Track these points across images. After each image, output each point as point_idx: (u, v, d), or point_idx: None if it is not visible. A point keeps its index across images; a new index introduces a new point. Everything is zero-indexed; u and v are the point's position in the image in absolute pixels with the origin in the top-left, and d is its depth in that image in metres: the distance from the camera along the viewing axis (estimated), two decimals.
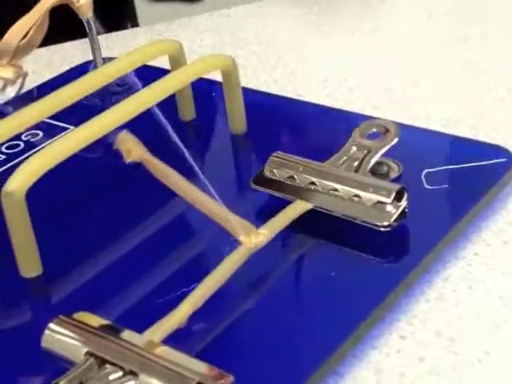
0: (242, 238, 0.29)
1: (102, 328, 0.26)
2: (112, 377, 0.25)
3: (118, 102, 0.34)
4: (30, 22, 0.40)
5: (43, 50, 0.49)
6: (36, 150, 0.38)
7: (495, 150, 0.35)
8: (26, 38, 0.40)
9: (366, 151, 0.34)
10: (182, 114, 0.40)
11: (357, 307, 0.28)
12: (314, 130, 0.38)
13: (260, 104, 0.40)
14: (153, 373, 0.24)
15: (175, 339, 0.26)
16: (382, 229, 0.30)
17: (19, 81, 0.41)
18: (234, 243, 0.29)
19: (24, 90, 0.41)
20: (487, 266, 0.30)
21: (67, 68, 0.45)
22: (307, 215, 0.31)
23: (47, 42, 0.42)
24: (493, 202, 0.33)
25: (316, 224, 0.31)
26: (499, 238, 0.31)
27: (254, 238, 0.29)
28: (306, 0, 0.53)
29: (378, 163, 0.34)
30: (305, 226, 0.31)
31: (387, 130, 0.35)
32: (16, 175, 0.30)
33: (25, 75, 0.41)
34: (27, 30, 0.40)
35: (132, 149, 0.29)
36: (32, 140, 0.39)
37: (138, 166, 0.35)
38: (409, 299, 0.29)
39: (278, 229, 0.30)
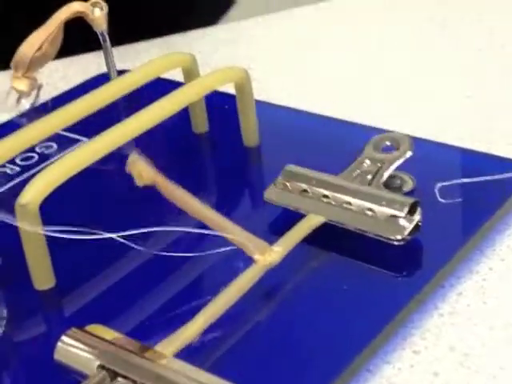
0: (256, 257, 0.29)
1: (115, 341, 0.26)
2: None
3: (131, 114, 0.34)
4: (45, 34, 0.40)
5: (58, 62, 0.49)
6: (50, 161, 0.38)
7: (510, 164, 0.35)
8: (41, 51, 0.40)
9: (379, 164, 0.34)
10: (196, 126, 0.40)
11: (370, 321, 0.28)
12: (326, 142, 0.38)
13: (273, 117, 0.40)
14: None
15: (188, 353, 0.26)
16: (396, 242, 0.30)
17: (34, 93, 0.42)
18: (248, 259, 0.29)
19: (39, 102, 0.42)
20: (502, 280, 0.30)
21: (82, 80, 0.46)
22: (320, 228, 0.31)
23: (62, 54, 0.43)
24: (507, 216, 0.33)
25: (329, 237, 0.31)
26: None
27: (268, 256, 0.29)
28: (317, 12, 0.53)
29: (392, 177, 0.34)
30: (317, 239, 0.31)
31: (400, 144, 0.34)
32: (30, 187, 0.30)
33: (39, 87, 0.41)
34: (42, 42, 0.40)
35: (143, 172, 0.29)
36: (46, 152, 0.39)
37: None
38: (422, 314, 0.29)
39: (292, 245, 0.30)
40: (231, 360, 0.27)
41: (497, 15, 0.51)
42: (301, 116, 0.40)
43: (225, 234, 0.29)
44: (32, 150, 0.39)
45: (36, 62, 0.40)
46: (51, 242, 0.30)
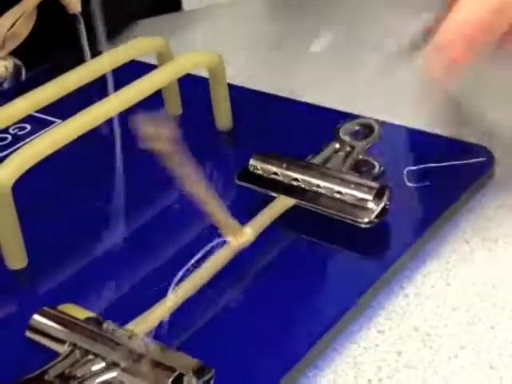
0: (228, 238, 0.29)
1: (86, 320, 0.27)
2: (95, 368, 0.25)
3: (105, 96, 0.34)
4: (17, 14, 0.40)
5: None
6: (23, 143, 0.38)
7: (476, 149, 0.35)
8: (12, 30, 0.40)
9: (349, 149, 0.34)
10: (169, 109, 0.40)
11: (337, 302, 0.29)
12: (298, 127, 0.39)
13: (246, 100, 0.41)
14: (135, 364, 0.25)
15: (158, 332, 0.27)
16: (363, 225, 0.31)
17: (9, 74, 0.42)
18: (220, 240, 0.30)
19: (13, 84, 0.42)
20: (465, 262, 0.31)
21: None
22: (290, 211, 0.32)
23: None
24: (472, 200, 0.33)
25: (298, 219, 0.32)
26: (478, 236, 0.32)
27: (239, 237, 0.30)
28: None
29: (361, 161, 0.34)
30: (287, 221, 0.32)
31: (370, 128, 0.35)
32: (3, 168, 0.30)
33: (20, 69, 0.41)
34: (14, 22, 0.40)
35: (162, 136, 0.27)
36: (19, 133, 0.39)
37: (126, 159, 0.35)
38: (388, 295, 0.30)
39: (262, 227, 0.31)
40: (202, 339, 0.27)
41: None
42: (273, 100, 0.41)
43: (205, 209, 0.29)
44: (5, 131, 0.39)
45: (8, 42, 0.40)
46: (24, 221, 0.30)
